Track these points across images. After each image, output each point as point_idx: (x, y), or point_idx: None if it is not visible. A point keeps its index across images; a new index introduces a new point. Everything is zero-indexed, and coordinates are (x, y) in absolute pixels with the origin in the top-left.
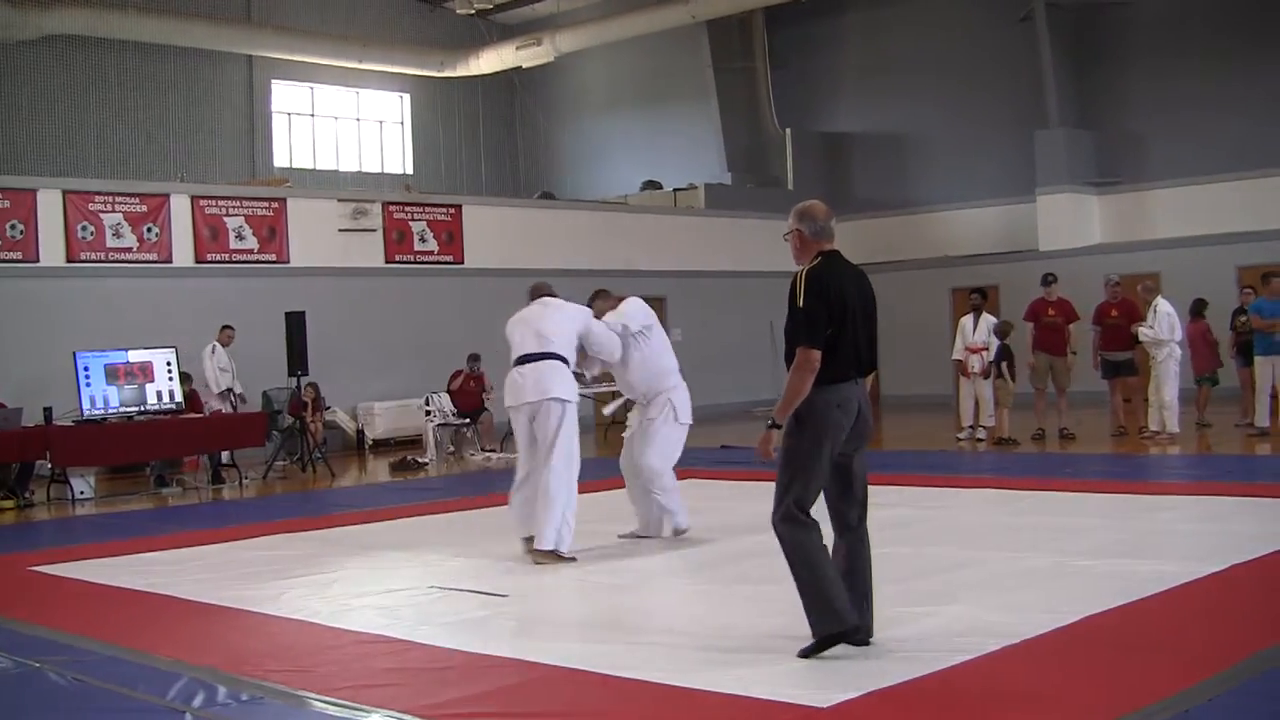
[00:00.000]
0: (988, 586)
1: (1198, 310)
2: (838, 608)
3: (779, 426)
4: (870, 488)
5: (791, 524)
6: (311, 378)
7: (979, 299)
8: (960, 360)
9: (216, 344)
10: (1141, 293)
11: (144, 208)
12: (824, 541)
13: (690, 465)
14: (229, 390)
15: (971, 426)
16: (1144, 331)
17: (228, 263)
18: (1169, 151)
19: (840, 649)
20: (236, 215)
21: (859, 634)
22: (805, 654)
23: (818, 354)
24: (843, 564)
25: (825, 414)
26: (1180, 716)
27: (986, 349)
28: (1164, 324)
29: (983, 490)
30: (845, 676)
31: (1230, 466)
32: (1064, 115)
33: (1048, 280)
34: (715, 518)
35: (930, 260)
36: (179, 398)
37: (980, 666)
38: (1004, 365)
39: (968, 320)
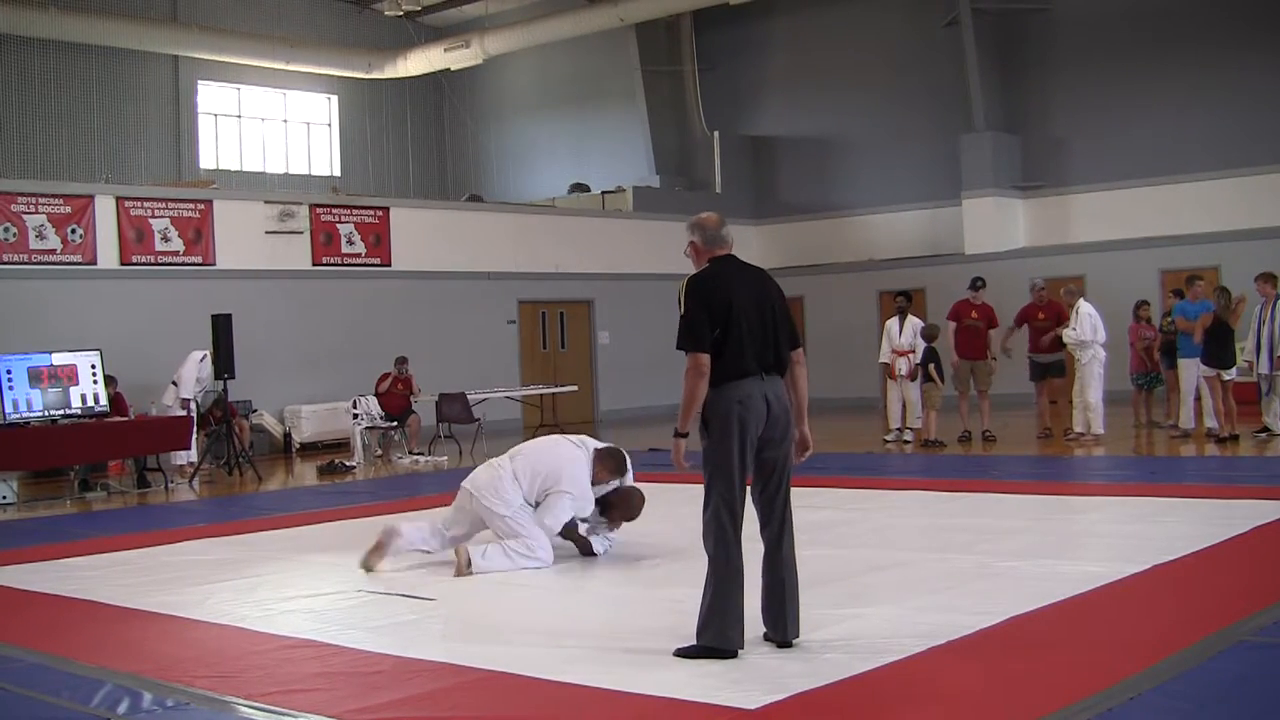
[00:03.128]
0: (913, 588)
1: (1135, 312)
2: (727, 630)
3: (684, 435)
4: (797, 489)
5: (714, 537)
6: (238, 381)
7: (905, 302)
8: (887, 363)
9: (207, 354)
10: (1065, 295)
11: (68, 209)
12: (740, 562)
13: None
14: (189, 400)
15: (899, 429)
16: (1067, 334)
17: (153, 265)
18: (1092, 156)
19: (768, 650)
20: (162, 217)
21: (731, 656)
22: (680, 653)
23: (704, 357)
24: (766, 565)
25: (727, 412)
26: (1102, 716)
27: (913, 351)
28: (1085, 326)
29: (909, 492)
30: (771, 679)
31: (1155, 467)
32: (989, 120)
33: (977, 284)
34: (642, 521)
35: (856, 263)
36: (104, 401)
37: (905, 668)
38: (931, 367)
39: (893, 323)
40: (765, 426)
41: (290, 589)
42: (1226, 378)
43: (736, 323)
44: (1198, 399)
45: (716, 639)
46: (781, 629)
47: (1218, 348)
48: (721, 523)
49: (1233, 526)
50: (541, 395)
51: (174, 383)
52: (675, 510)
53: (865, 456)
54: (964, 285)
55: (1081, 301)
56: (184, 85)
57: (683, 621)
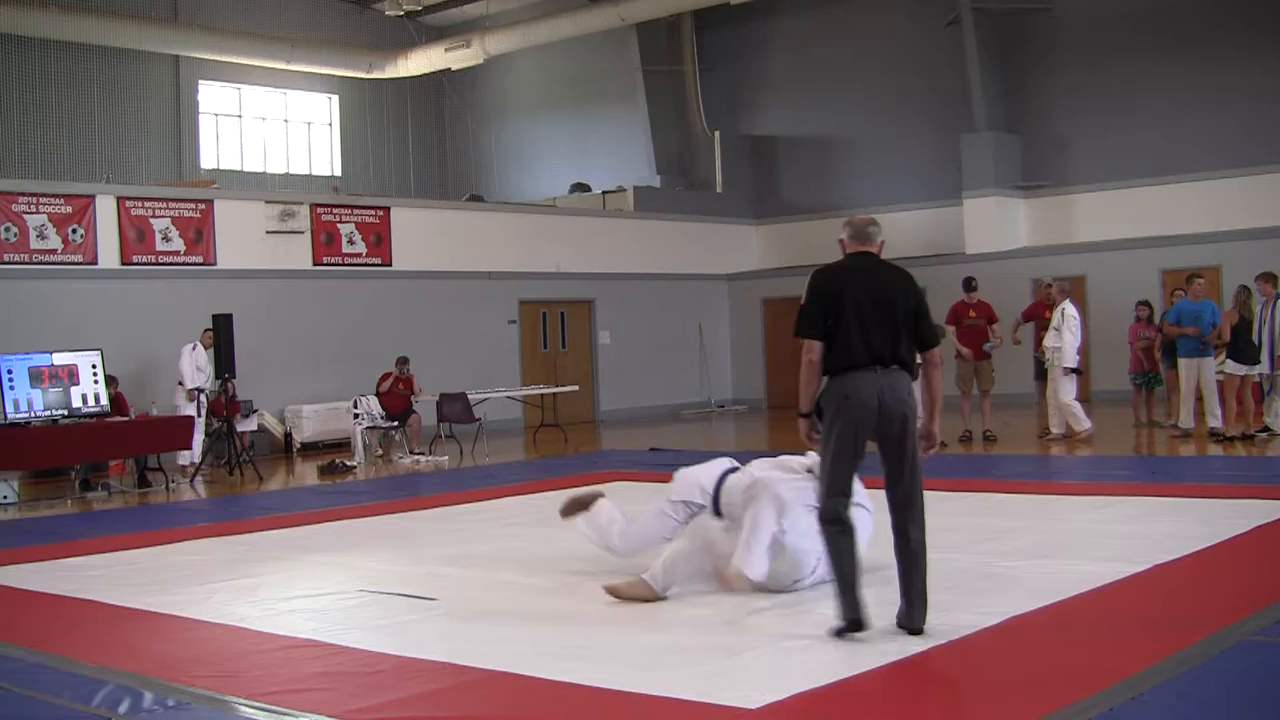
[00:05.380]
0: None
1: (1137, 311)
2: (844, 606)
3: (805, 415)
4: None
5: (828, 524)
6: (239, 380)
7: None
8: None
9: (197, 343)
10: (1055, 294)
11: (69, 209)
12: (855, 545)
13: (619, 468)
14: (198, 390)
15: None
16: (1047, 341)
17: (154, 265)
18: (1093, 156)
19: (768, 650)
20: (163, 217)
21: (859, 629)
22: (834, 633)
23: (815, 344)
24: (898, 556)
25: (835, 404)
26: (1102, 716)
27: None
28: (1072, 328)
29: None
30: (771, 679)
31: (1155, 467)
32: (990, 119)
33: (970, 285)
34: None
35: None
36: (104, 401)
37: (906, 668)
38: None
39: None
40: (877, 422)
41: (291, 589)
42: (1242, 373)
43: (847, 315)
44: (1198, 399)
45: (844, 613)
46: (909, 618)
47: (1246, 345)
48: (830, 518)
49: (1233, 526)
50: (542, 395)
51: (179, 383)
52: None
53: (864, 456)
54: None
55: (1067, 303)
56: (185, 85)
57: (683, 621)
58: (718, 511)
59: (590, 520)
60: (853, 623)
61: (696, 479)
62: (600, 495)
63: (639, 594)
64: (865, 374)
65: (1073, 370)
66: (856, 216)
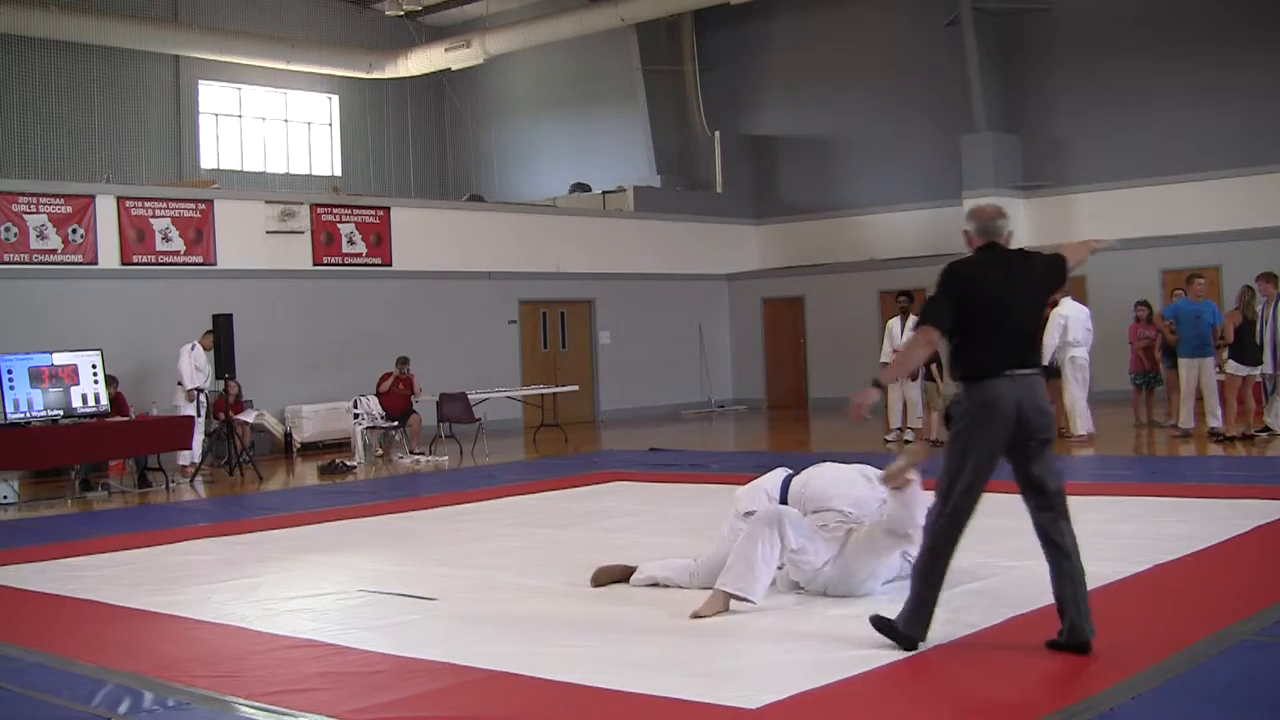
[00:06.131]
0: None
1: (1136, 311)
2: (914, 623)
3: (879, 387)
4: None
5: (932, 537)
6: (239, 380)
7: (906, 302)
8: (888, 363)
9: (196, 343)
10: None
11: (69, 209)
12: (943, 565)
13: (619, 468)
14: (198, 390)
15: (900, 428)
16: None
17: (154, 265)
18: (1093, 156)
19: (767, 650)
20: (163, 217)
21: (914, 647)
22: (874, 621)
23: (934, 332)
24: (1057, 570)
25: (969, 413)
26: (1102, 716)
27: None
28: (1055, 328)
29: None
30: (771, 679)
31: (1155, 467)
32: (990, 119)
33: None
34: (644, 521)
35: (857, 263)
36: (104, 401)
37: (906, 667)
38: (932, 368)
39: (895, 323)
40: (1016, 431)
41: (291, 589)
42: (1244, 374)
43: (982, 316)
44: (1198, 399)
45: (904, 625)
46: (1080, 630)
47: (1249, 346)
48: (938, 524)
49: (1233, 526)
50: (542, 395)
51: (179, 383)
52: (672, 510)
53: (866, 456)
54: None
55: (1065, 301)
56: (185, 85)
57: (683, 621)
58: None
59: (648, 575)
60: (911, 641)
61: (760, 487)
62: (632, 567)
63: (719, 606)
64: (1001, 382)
65: (1044, 369)
66: (983, 207)
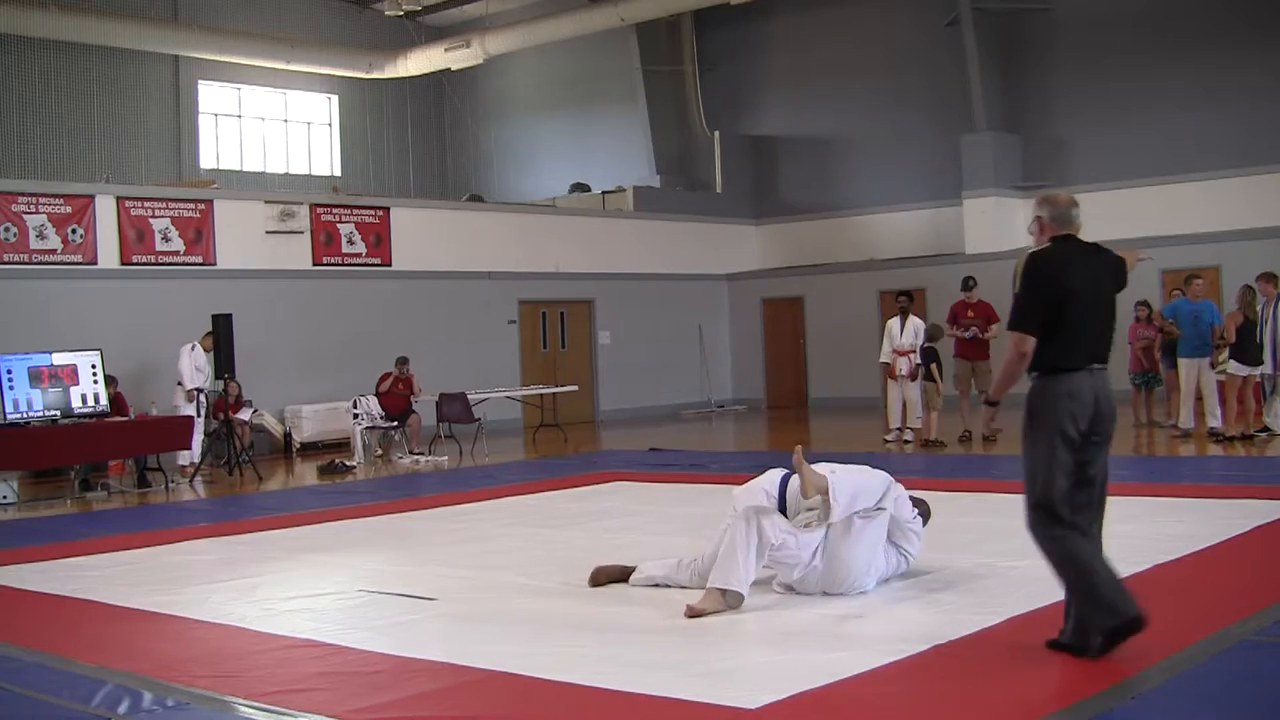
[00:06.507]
0: (915, 588)
1: (1136, 311)
2: (1111, 601)
3: (994, 404)
4: None
5: (1044, 528)
6: (239, 380)
7: (906, 302)
8: (888, 363)
9: (196, 343)
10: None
11: (68, 209)
12: (1078, 545)
13: (619, 468)
14: (198, 390)
15: (899, 428)
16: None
17: (154, 265)
18: (1093, 156)
19: (768, 650)
20: (163, 217)
21: (1139, 624)
22: (1096, 652)
23: (1030, 340)
24: None
25: (1051, 407)
26: (1102, 716)
27: (914, 351)
28: None
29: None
30: (771, 679)
31: (1155, 467)
32: (990, 119)
33: (968, 284)
34: (644, 521)
35: (857, 263)
36: (104, 401)
37: (906, 667)
38: (932, 368)
39: (895, 323)
40: (1090, 425)
41: (290, 589)
42: (1244, 374)
43: (1070, 311)
44: (1198, 399)
45: (1106, 619)
46: (1075, 634)
47: (1250, 346)
48: (1046, 521)
49: (1232, 526)
50: (542, 395)
51: (179, 383)
52: (672, 510)
53: (866, 456)
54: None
55: None
56: (184, 85)
57: (683, 621)
58: (783, 511)
59: (646, 575)
60: (1134, 620)
61: (759, 486)
62: (630, 567)
63: (713, 603)
64: (1082, 375)
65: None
66: (1057, 194)
